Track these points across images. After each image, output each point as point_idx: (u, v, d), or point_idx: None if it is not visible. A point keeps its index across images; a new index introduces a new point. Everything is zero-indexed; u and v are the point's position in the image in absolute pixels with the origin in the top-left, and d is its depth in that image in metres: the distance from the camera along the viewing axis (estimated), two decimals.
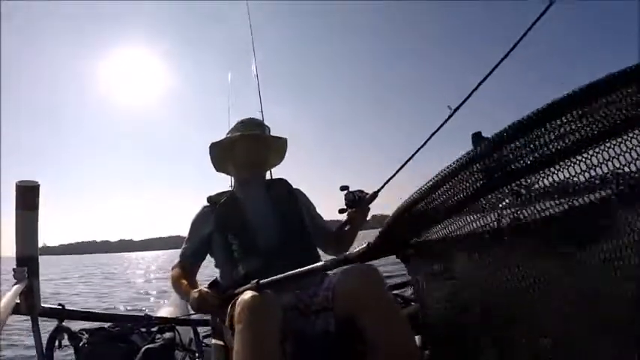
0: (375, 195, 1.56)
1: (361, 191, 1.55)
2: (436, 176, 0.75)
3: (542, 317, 0.72)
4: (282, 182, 1.69)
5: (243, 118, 1.71)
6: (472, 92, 1.43)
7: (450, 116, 1.47)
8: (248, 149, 1.61)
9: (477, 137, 1.40)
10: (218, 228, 1.51)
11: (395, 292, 2.06)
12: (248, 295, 1.12)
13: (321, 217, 1.71)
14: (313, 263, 1.47)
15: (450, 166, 0.71)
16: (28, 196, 1.33)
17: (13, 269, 1.28)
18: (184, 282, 1.45)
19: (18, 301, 1.24)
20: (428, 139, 1.50)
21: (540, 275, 0.68)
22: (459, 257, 0.91)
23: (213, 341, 1.59)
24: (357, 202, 1.54)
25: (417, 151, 1.51)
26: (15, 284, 1.22)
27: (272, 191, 1.61)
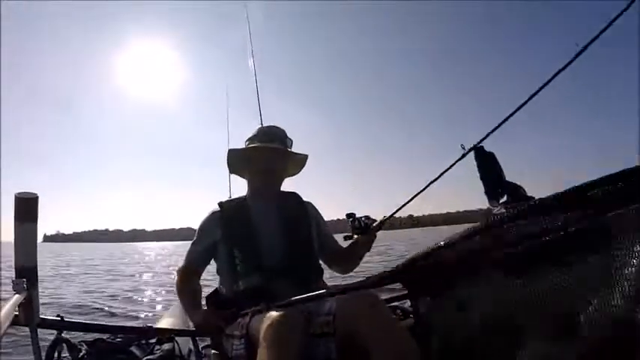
0: (382, 223, 1.57)
1: (368, 217, 1.56)
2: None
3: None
4: (293, 196, 1.68)
5: (265, 125, 1.70)
6: (491, 132, 1.41)
7: (463, 156, 1.45)
8: (264, 161, 1.59)
9: (479, 151, 1.41)
10: (224, 239, 1.51)
11: (395, 303, 2.04)
12: (277, 313, 1.13)
13: (329, 233, 1.70)
14: (316, 284, 1.47)
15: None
16: (27, 208, 1.33)
17: (12, 280, 1.28)
18: (189, 294, 1.49)
19: (17, 313, 1.24)
20: (438, 177, 1.50)
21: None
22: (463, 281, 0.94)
23: (213, 352, 1.58)
24: (364, 229, 1.54)
25: (426, 187, 1.52)
26: (14, 295, 1.23)
27: (283, 206, 1.60)
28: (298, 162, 1.70)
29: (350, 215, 1.57)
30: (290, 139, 1.65)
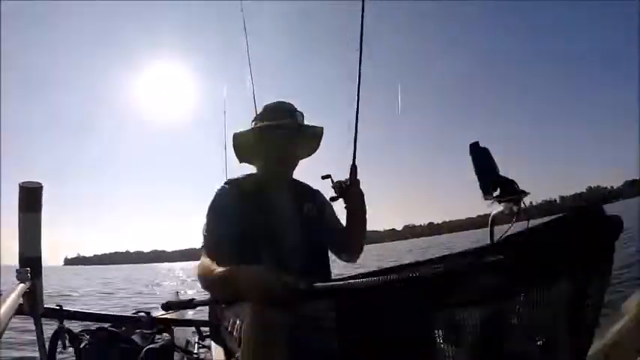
0: (353, 169, 1.50)
1: (347, 180, 1.50)
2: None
3: None
4: (306, 189, 1.57)
5: (269, 102, 1.51)
6: (362, 30, 1.55)
7: (360, 56, 1.56)
8: (276, 142, 1.42)
9: (474, 147, 1.47)
10: (246, 225, 1.32)
11: None
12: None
13: (338, 220, 1.58)
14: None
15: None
16: (31, 198, 1.33)
17: (17, 270, 1.28)
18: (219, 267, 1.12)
19: (21, 302, 1.25)
20: (358, 92, 1.56)
21: None
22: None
23: (212, 342, 1.61)
24: (345, 190, 1.49)
25: (358, 104, 1.55)
26: (18, 284, 1.23)
27: (301, 201, 1.47)
28: (314, 138, 1.53)
29: (326, 176, 1.50)
30: (301, 113, 1.46)
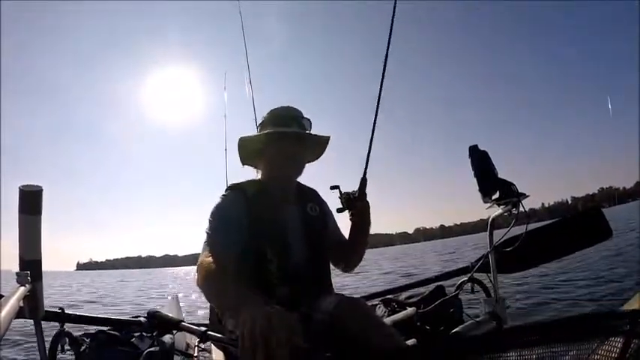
0: (363, 182, 1.47)
1: (355, 192, 1.48)
2: None
3: None
4: (310, 191, 1.56)
5: (276, 107, 1.47)
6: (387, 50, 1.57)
7: (383, 73, 1.57)
8: (281, 150, 1.40)
9: (473, 150, 1.49)
10: (252, 231, 1.30)
11: (389, 296, 2.11)
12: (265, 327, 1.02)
13: (338, 229, 1.59)
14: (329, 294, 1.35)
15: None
16: (31, 201, 1.33)
17: (16, 273, 1.28)
18: (232, 281, 1.04)
19: (21, 305, 1.24)
20: (378, 103, 1.57)
21: None
22: None
23: (213, 345, 1.60)
24: (353, 200, 1.47)
25: (376, 116, 1.56)
26: (18, 287, 1.22)
27: (305, 207, 1.47)
28: (319, 145, 1.51)
29: (334, 187, 1.48)
30: (308, 120, 1.45)
